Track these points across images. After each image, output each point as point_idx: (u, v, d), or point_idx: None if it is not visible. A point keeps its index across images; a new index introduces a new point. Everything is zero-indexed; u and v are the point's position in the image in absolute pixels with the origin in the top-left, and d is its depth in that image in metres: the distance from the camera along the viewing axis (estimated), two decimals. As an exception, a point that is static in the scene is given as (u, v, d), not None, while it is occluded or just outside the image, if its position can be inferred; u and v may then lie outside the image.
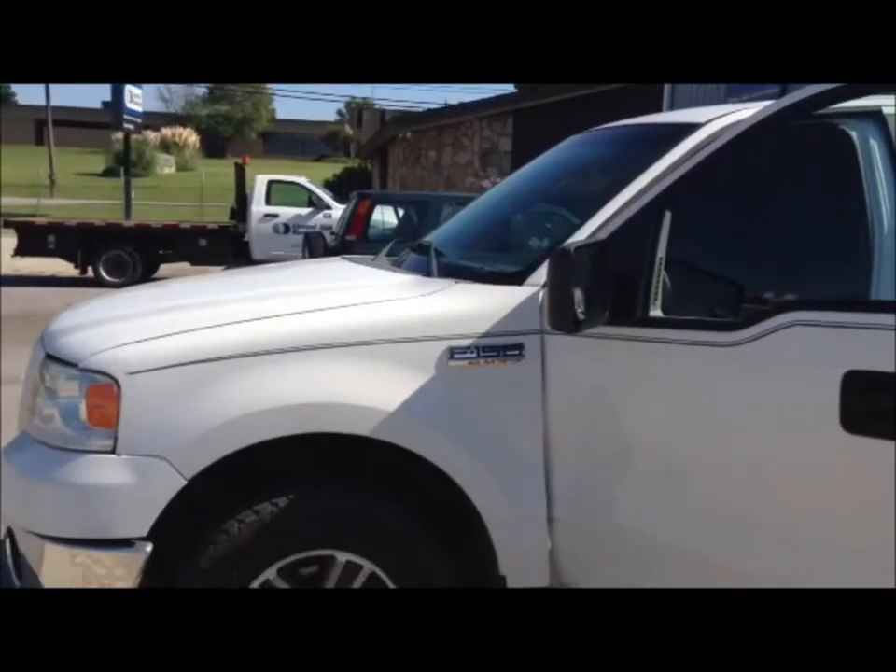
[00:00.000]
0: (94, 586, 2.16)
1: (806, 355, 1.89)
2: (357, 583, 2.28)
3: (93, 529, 2.16)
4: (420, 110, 18.05)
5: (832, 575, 1.87)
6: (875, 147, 2.25)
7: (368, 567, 2.27)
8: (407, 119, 17.58)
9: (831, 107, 2.13)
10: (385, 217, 10.49)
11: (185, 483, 2.14)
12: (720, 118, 2.46)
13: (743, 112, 2.42)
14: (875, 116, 2.25)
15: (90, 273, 13.71)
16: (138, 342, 2.24)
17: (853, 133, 2.26)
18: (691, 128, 2.46)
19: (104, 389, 2.18)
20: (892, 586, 1.79)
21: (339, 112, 57.82)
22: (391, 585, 2.28)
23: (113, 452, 2.16)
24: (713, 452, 2.07)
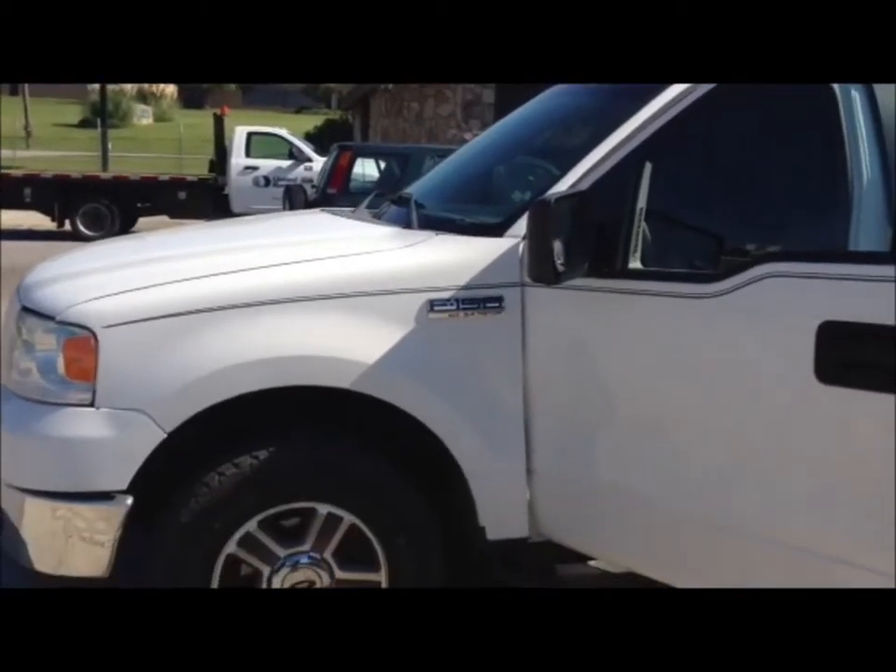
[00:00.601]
0: (75, 539, 2.17)
1: (783, 305, 1.89)
2: (338, 535, 2.30)
3: (74, 482, 2.16)
4: (402, 60, 17.68)
5: (809, 526, 1.89)
6: (857, 98, 2.23)
7: (348, 518, 2.29)
8: (388, 69, 17.27)
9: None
10: (367, 169, 10.38)
11: (164, 436, 2.14)
12: (702, 67, 2.44)
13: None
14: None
15: (67, 226, 13.55)
16: (116, 294, 2.22)
17: (835, 86, 2.24)
18: (672, 78, 2.44)
19: (81, 342, 2.17)
20: (871, 539, 1.81)
21: (319, 62, 56.78)
22: (371, 537, 2.31)
23: (92, 405, 2.15)
24: (692, 404, 2.08)
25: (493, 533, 2.33)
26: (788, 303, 1.89)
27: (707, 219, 2.25)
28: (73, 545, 2.19)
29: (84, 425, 2.14)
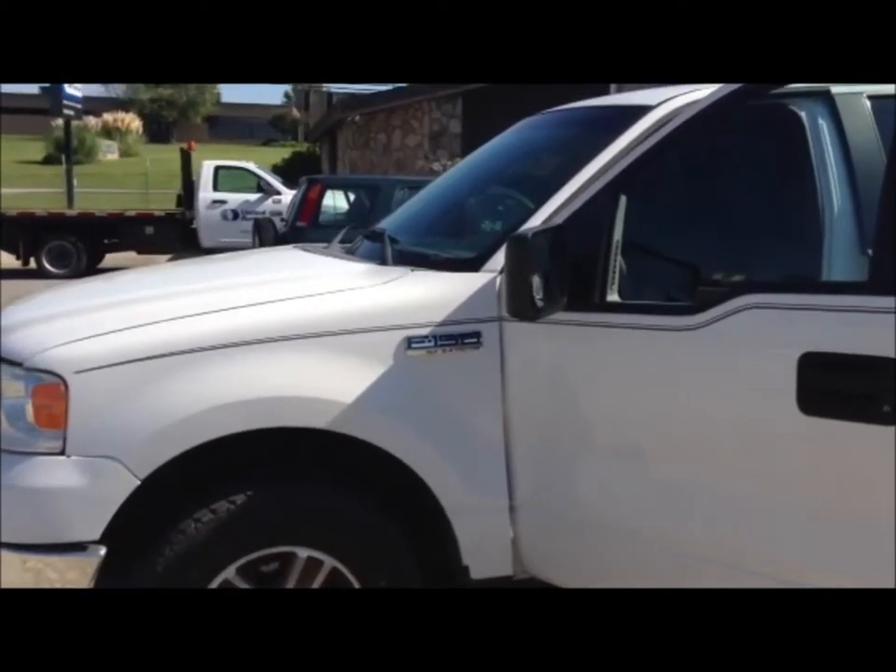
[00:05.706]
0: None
1: (762, 337, 1.89)
2: (319, 580, 2.25)
3: (44, 534, 2.09)
4: (368, 92, 17.85)
5: (793, 554, 1.89)
6: (824, 126, 2.26)
7: (329, 562, 2.24)
8: (355, 101, 17.36)
9: (781, 88, 2.13)
10: (336, 201, 10.38)
11: (138, 483, 2.08)
12: (670, 99, 2.46)
13: (693, 94, 2.42)
14: (824, 96, 2.26)
15: (32, 264, 13.39)
16: (86, 338, 2.17)
17: (802, 114, 2.26)
18: (642, 110, 2.46)
19: (51, 389, 2.11)
20: (850, 563, 1.81)
21: (285, 94, 56.91)
22: (352, 579, 2.26)
23: (62, 453, 2.09)
24: (673, 437, 2.07)
25: (476, 572, 2.29)
26: (768, 335, 1.88)
27: (683, 251, 2.26)
28: (44, 598, 2.12)
29: (54, 474, 2.08)
